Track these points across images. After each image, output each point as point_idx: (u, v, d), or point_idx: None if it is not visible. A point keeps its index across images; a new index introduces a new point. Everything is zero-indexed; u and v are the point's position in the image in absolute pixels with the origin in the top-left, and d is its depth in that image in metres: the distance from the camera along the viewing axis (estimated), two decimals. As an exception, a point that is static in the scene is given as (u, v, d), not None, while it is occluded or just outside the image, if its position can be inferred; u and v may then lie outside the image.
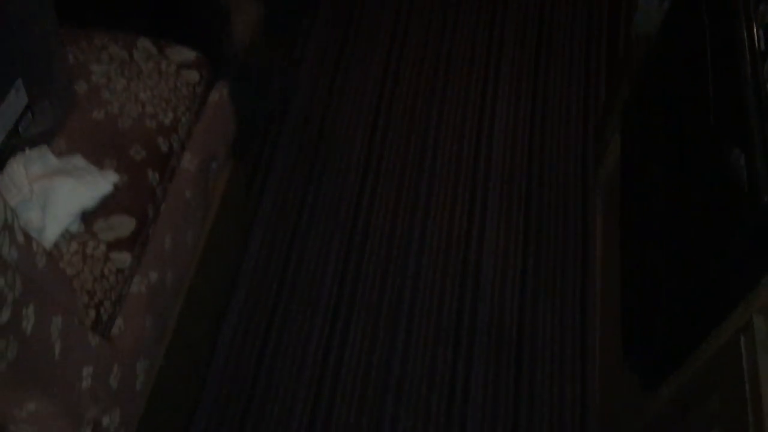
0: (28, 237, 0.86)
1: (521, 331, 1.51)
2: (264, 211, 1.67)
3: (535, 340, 1.50)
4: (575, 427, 1.40)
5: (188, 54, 1.24)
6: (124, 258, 1.09)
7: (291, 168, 1.73)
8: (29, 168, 1.07)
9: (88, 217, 1.09)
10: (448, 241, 1.62)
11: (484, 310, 1.54)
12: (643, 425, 1.14)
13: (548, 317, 1.53)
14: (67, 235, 1.06)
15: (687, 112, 1.11)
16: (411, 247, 1.62)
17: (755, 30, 0.92)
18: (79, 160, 1.12)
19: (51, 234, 1.04)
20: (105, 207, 1.10)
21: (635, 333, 1.18)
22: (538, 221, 1.66)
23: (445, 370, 1.46)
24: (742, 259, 0.86)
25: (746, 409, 0.81)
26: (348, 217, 1.66)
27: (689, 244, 1.01)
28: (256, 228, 1.64)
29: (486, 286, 1.57)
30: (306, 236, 1.63)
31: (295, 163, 1.74)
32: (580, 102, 1.85)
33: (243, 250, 1.61)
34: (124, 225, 1.10)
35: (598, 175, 1.68)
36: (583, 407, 1.42)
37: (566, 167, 1.74)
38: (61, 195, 1.07)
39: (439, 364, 1.47)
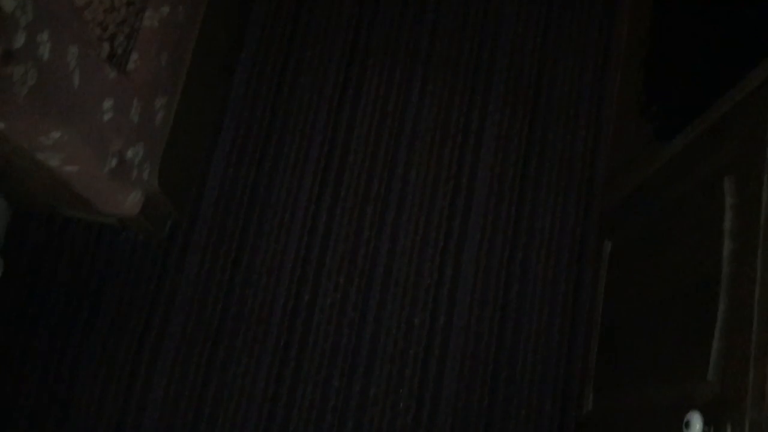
0: (33, -41, 0.81)
1: (540, 76, 1.48)
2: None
3: (553, 86, 1.48)
4: (584, 174, 1.44)
5: None
6: (133, -12, 1.04)
7: None
8: None
9: (92, -58, 1.02)
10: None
11: (503, 58, 1.50)
12: (651, 173, 1.17)
13: (568, 63, 1.49)
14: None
15: None
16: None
17: None
18: None
19: (55, -41, 0.99)
20: (109, -69, 1.03)
21: (657, 84, 1.16)
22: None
23: (460, 118, 1.46)
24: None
25: (764, 156, 0.82)
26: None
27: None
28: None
29: (505, 41, 1.51)
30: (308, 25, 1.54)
31: None
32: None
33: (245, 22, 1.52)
34: (131, -48, 1.04)
35: None
36: (594, 154, 1.44)
37: None
38: None
39: (455, 111, 1.46)
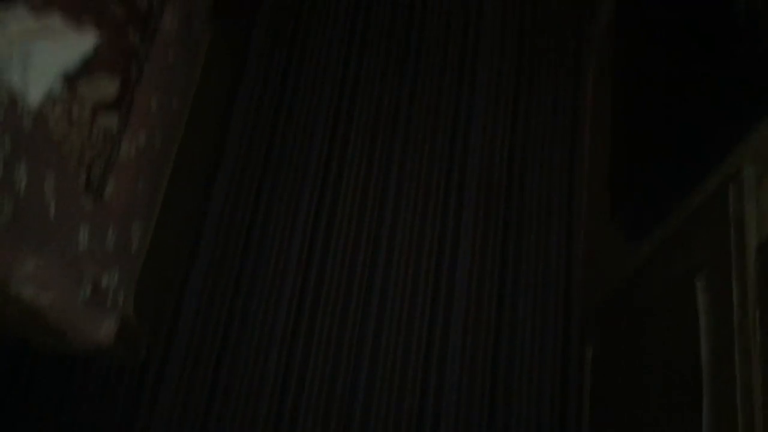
0: (12, 98, 0.84)
1: (510, 187, 1.52)
2: (249, 73, 1.62)
3: (524, 194, 1.51)
4: (560, 279, 1.45)
5: None
6: (110, 120, 1.07)
7: (275, 29, 1.68)
8: (5, 27, 1.02)
9: (70, 78, 1.06)
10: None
11: (474, 162, 1.54)
12: (626, 277, 1.18)
13: (537, 175, 1.54)
14: (50, 99, 1.04)
15: None
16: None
17: None
18: (55, 21, 1.08)
19: (34, 97, 1.02)
20: (87, 68, 1.07)
21: (623, 186, 1.20)
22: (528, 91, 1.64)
23: (434, 236, 1.48)
24: (735, 103, 0.86)
25: (730, 258, 0.84)
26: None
27: (683, 91, 1.01)
28: (242, 90, 1.60)
29: (476, 145, 1.57)
30: (294, 98, 1.60)
31: (279, 21, 1.68)
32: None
33: (229, 112, 1.58)
34: (107, 85, 1.08)
35: (593, 26, 1.65)
36: (569, 260, 1.46)
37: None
38: (42, 57, 1.03)
39: (428, 228, 1.49)
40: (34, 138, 0.87)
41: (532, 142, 1.58)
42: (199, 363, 1.35)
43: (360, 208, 1.50)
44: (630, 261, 1.16)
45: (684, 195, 0.96)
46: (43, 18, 1.08)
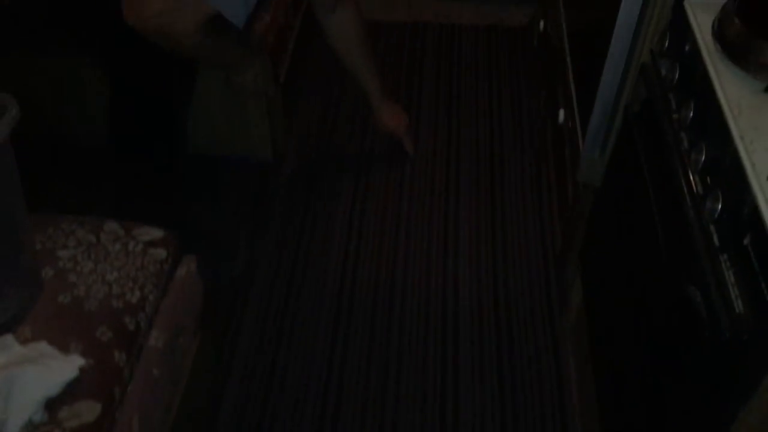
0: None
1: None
2: (234, 382, 1.63)
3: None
4: None
5: (155, 233, 1.27)
6: (90, 445, 1.05)
7: (260, 334, 1.72)
8: (-8, 359, 1.05)
9: (52, 403, 1.05)
10: (424, 398, 1.59)
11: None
12: None
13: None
14: (30, 426, 1.02)
15: (641, 256, 1.16)
16: (386, 402, 1.58)
17: (691, 176, 0.98)
18: (44, 346, 1.10)
19: (13, 426, 1.01)
20: (70, 392, 1.07)
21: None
22: (511, 373, 1.65)
23: None
24: (711, 396, 0.87)
25: None
26: (320, 381, 1.63)
27: (660, 385, 1.02)
28: (226, 399, 1.60)
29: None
30: (278, 405, 1.59)
31: (263, 329, 1.73)
32: (539, 249, 1.90)
33: (213, 422, 1.55)
34: (89, 410, 1.07)
35: (564, 317, 1.71)
36: None
37: (533, 315, 1.76)
38: (24, 384, 1.04)
39: None
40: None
41: None
42: None
43: None
44: None
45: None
46: (31, 346, 1.10)
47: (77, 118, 1.99)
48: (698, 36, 1.05)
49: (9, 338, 1.08)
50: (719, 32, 1.02)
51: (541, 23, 2.16)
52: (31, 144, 1.19)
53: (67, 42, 1.69)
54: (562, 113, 1.73)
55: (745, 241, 0.84)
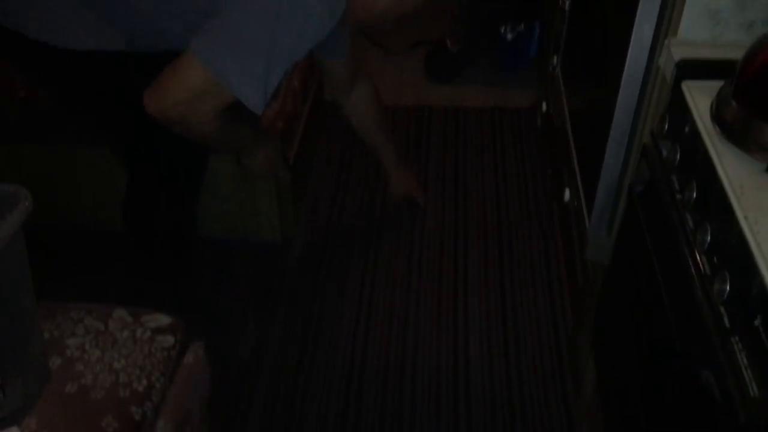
0: None
1: None
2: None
3: None
4: None
5: (163, 319, 1.27)
6: None
7: (269, 419, 1.69)
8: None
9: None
10: None
11: None
12: None
13: None
14: None
15: (652, 337, 1.15)
16: None
17: (698, 256, 0.98)
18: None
19: None
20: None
21: None
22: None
23: None
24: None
25: None
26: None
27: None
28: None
29: None
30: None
31: (272, 413, 1.70)
32: (551, 328, 1.88)
33: None
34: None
35: (578, 398, 1.67)
36: None
37: (546, 395, 1.73)
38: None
39: None
40: None
41: None
42: None
43: None
44: None
45: None
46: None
47: (89, 203, 2.03)
48: (697, 118, 1.07)
49: (14, 431, 1.06)
50: (717, 114, 1.04)
51: (544, 105, 2.21)
52: (42, 228, 1.21)
53: (84, 130, 1.74)
54: (567, 192, 1.74)
55: (756, 323, 0.83)
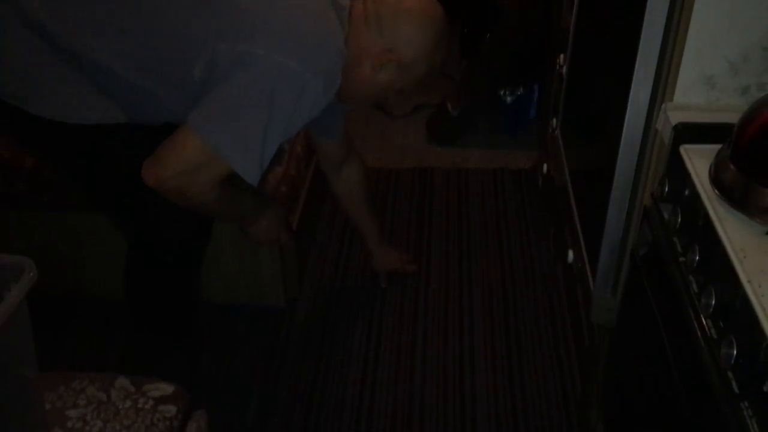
0: None
1: None
2: None
3: None
4: None
5: (165, 388, 1.25)
6: None
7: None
8: None
9: None
10: None
11: None
12: None
13: None
14: None
15: (661, 402, 1.13)
16: None
17: (704, 320, 0.98)
18: None
19: None
20: None
21: None
22: None
23: None
24: None
25: None
26: None
27: None
28: None
29: None
30: None
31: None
32: (559, 391, 1.86)
33: None
34: None
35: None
36: None
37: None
38: None
39: None
40: None
41: None
42: None
43: None
44: None
45: None
46: None
47: (92, 272, 2.03)
48: (696, 181, 1.08)
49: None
50: (716, 177, 1.05)
51: (545, 166, 2.23)
52: (45, 297, 1.21)
53: (87, 198, 1.76)
54: (571, 253, 1.74)
55: (765, 388, 0.82)
